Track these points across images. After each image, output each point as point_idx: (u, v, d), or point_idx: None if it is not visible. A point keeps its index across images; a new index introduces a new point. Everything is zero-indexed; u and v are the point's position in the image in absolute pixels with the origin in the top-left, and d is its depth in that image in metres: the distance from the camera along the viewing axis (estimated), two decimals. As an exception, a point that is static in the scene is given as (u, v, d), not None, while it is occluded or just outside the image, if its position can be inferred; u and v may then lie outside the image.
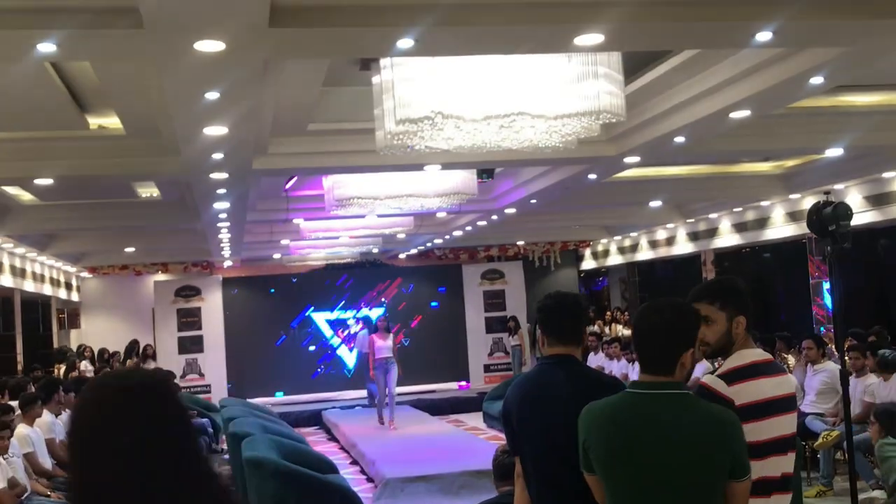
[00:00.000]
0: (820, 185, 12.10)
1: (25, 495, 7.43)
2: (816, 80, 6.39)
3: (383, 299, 20.31)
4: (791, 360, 11.08)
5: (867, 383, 8.94)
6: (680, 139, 8.19)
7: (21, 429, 8.13)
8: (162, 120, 7.24)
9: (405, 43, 4.97)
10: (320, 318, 20.16)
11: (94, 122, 8.00)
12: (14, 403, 8.58)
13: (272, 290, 20.09)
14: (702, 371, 8.89)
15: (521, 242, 20.77)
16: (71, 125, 7.78)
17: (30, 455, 8.00)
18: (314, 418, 16.88)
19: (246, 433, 8.22)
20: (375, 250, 19.06)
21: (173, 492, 1.65)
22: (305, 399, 18.70)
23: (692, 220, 16.72)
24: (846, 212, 6.18)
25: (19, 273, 15.21)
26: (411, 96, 6.01)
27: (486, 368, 20.20)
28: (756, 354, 3.22)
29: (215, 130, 6.88)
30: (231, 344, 19.29)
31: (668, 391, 2.90)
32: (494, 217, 14.15)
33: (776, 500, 3.07)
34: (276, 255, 19.40)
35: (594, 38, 5.14)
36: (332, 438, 14.89)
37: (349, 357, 19.76)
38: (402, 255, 20.81)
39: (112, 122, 7.89)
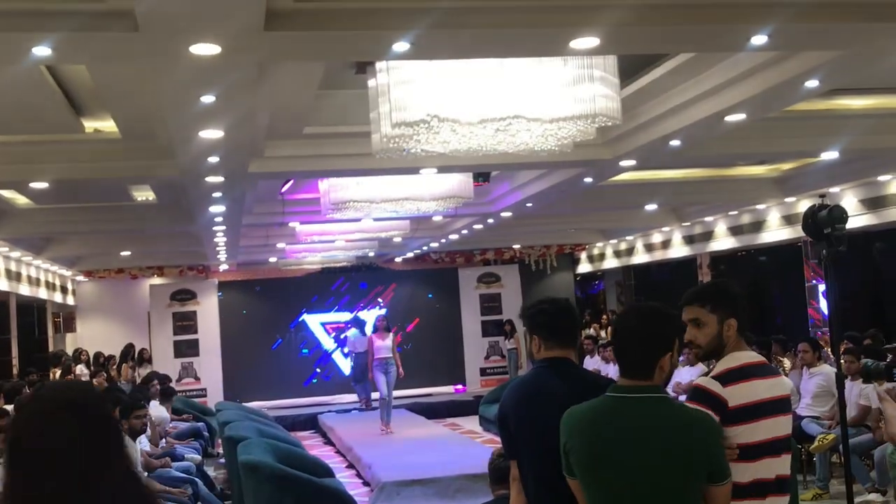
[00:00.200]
0: (815, 189, 12.12)
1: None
2: (812, 84, 6.40)
3: (380, 300, 20.30)
4: (787, 363, 11.09)
5: (863, 386, 8.95)
6: (675, 142, 8.20)
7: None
8: (157, 123, 7.23)
9: (401, 46, 4.97)
10: (315, 322, 20.14)
11: (89, 125, 7.99)
12: (9, 407, 8.56)
13: (258, 289, 20.01)
14: (697, 373, 8.89)
15: (517, 246, 20.77)
16: (66, 128, 7.77)
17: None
18: (310, 422, 16.86)
19: (242, 437, 8.20)
20: (371, 254, 19.05)
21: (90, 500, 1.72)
22: (301, 403, 18.68)
23: (688, 224, 16.74)
24: (841, 215, 6.19)
25: (15, 277, 15.18)
26: (407, 100, 6.01)
27: (483, 372, 20.20)
28: (748, 356, 3.23)
29: (211, 134, 6.87)
30: (227, 348, 19.27)
31: (646, 395, 2.92)
32: (490, 220, 14.15)
33: (771, 502, 3.07)
34: (272, 259, 19.39)
35: (590, 41, 5.15)
36: (329, 442, 14.87)
37: (344, 361, 19.74)
38: (398, 259, 20.81)
39: (107, 125, 7.88)
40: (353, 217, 11.41)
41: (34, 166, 8.34)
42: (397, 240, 15.98)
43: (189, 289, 19.51)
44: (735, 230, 15.71)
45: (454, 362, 20.14)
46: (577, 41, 5.14)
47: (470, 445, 12.62)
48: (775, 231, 14.45)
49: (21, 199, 11.37)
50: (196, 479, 9.08)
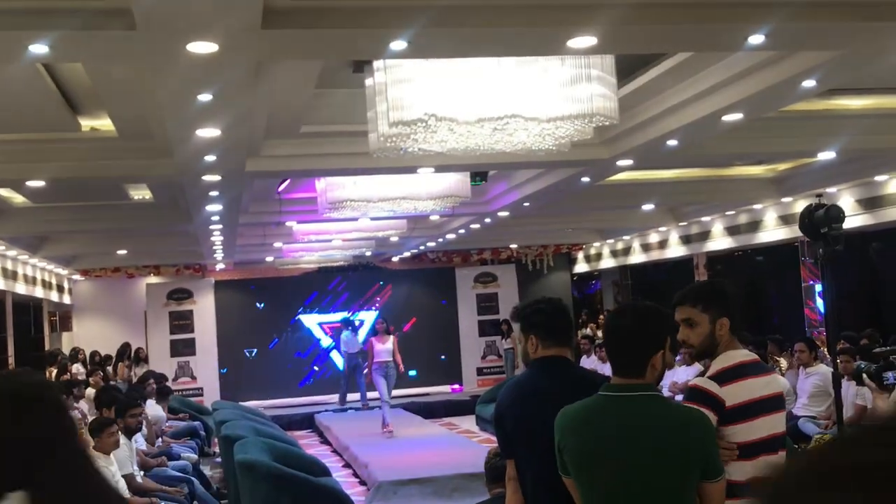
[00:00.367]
0: (812, 189, 12.12)
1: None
2: (809, 84, 6.40)
3: (378, 299, 20.30)
4: (783, 362, 11.10)
5: (858, 387, 8.95)
6: (673, 142, 8.21)
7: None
8: (154, 122, 7.22)
9: (398, 45, 4.97)
10: (312, 322, 20.13)
11: (86, 123, 7.98)
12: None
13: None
14: (693, 373, 8.90)
15: (514, 246, 20.77)
16: (63, 127, 7.76)
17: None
18: (307, 421, 16.87)
19: (238, 436, 8.20)
20: (368, 253, 19.03)
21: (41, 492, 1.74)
22: (298, 402, 18.67)
23: (685, 224, 16.75)
24: (838, 214, 6.20)
25: (11, 275, 15.16)
26: (405, 99, 6.01)
27: (479, 371, 20.20)
28: (742, 355, 3.25)
29: (208, 132, 6.86)
30: (223, 347, 19.26)
31: (639, 393, 2.93)
32: (488, 220, 14.14)
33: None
34: (269, 258, 19.38)
35: (587, 40, 5.15)
36: (325, 441, 14.87)
37: (341, 360, 19.74)
38: (395, 259, 20.80)
39: (104, 124, 7.87)
40: (350, 216, 11.41)
41: (31, 165, 8.33)
42: (394, 239, 15.97)
43: (185, 288, 19.49)
44: (732, 230, 15.72)
45: (451, 362, 20.14)
46: (574, 40, 5.14)
47: (466, 445, 12.62)
48: (772, 231, 14.46)
49: (18, 198, 11.36)
50: (192, 478, 9.08)
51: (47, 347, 18.37)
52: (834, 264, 6.50)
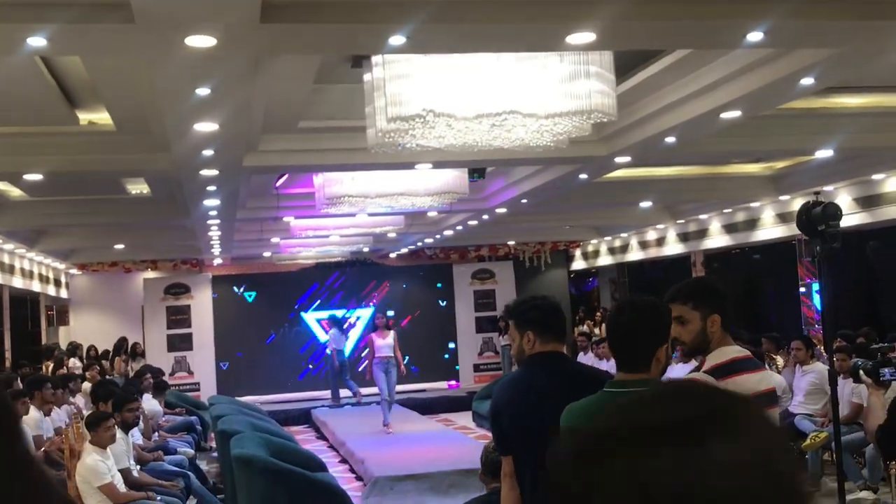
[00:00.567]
0: (810, 187, 12.14)
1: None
2: (807, 81, 6.40)
3: (375, 295, 20.29)
4: (780, 360, 11.10)
5: (855, 385, 8.95)
6: (670, 139, 8.21)
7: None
8: (152, 116, 7.21)
9: (397, 40, 4.97)
10: (310, 317, 20.12)
11: (84, 117, 7.97)
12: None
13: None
14: (688, 370, 8.90)
15: (511, 242, 20.77)
16: (61, 121, 7.75)
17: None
18: (303, 417, 16.86)
19: (235, 431, 8.20)
20: (366, 249, 19.03)
21: None
22: (295, 397, 18.67)
23: (682, 221, 16.76)
24: (836, 212, 6.20)
25: (8, 269, 15.15)
26: (403, 94, 6.01)
27: (476, 368, 20.20)
28: (735, 351, 3.26)
29: (206, 127, 6.86)
30: (220, 342, 19.26)
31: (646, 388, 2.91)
32: (485, 217, 14.15)
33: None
34: (266, 254, 19.37)
35: (586, 36, 5.15)
36: (322, 437, 14.87)
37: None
38: (392, 255, 20.80)
39: (102, 117, 7.86)
40: (347, 212, 11.41)
41: (28, 158, 8.32)
42: (392, 235, 15.97)
43: (183, 283, 19.48)
44: (729, 228, 15.73)
45: (448, 358, 20.15)
46: (573, 36, 5.14)
47: (463, 441, 12.63)
48: (769, 229, 14.47)
49: (15, 192, 11.35)
50: (189, 472, 9.08)
51: (44, 341, 18.37)
52: (831, 261, 6.50)
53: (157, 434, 10.77)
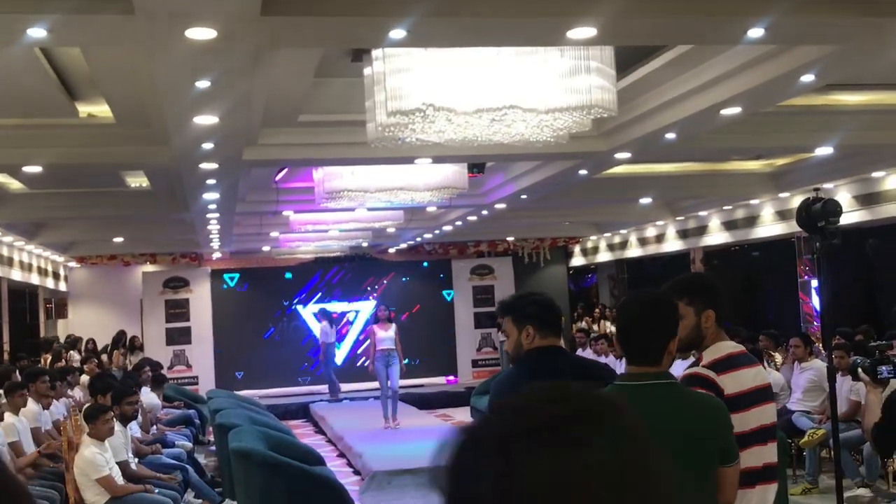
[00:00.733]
0: (809, 184, 12.11)
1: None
2: (807, 78, 6.40)
3: (373, 288, 20.28)
4: (778, 357, 11.11)
5: (853, 382, 8.96)
6: (671, 135, 8.20)
7: (6, 417, 8.11)
8: (152, 109, 7.20)
9: (398, 33, 4.96)
10: (308, 312, 20.12)
11: (83, 110, 7.96)
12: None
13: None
14: (686, 366, 8.90)
15: (510, 238, 20.77)
16: (60, 113, 7.74)
17: (14, 444, 7.97)
18: (302, 411, 16.88)
19: (233, 424, 8.20)
20: (365, 244, 19.02)
21: None
22: (293, 391, 18.68)
23: (682, 218, 16.76)
24: (835, 208, 6.19)
25: (7, 262, 15.15)
26: (403, 88, 6.00)
27: (475, 363, 20.21)
28: (730, 346, 3.27)
29: (206, 120, 6.85)
30: (219, 336, 19.26)
31: (657, 381, 2.91)
32: (485, 212, 14.14)
33: (761, 490, 3.09)
34: (266, 248, 19.36)
35: (587, 31, 5.14)
36: (320, 431, 14.88)
37: (338, 351, 19.72)
38: (391, 250, 20.79)
39: (102, 110, 7.85)
40: (347, 206, 11.40)
41: (28, 151, 8.31)
42: (391, 230, 15.96)
43: (182, 276, 19.48)
44: (729, 225, 15.73)
45: (446, 353, 20.15)
46: (574, 31, 5.13)
47: (461, 436, 12.61)
48: (769, 226, 14.47)
49: (14, 184, 11.34)
50: (187, 465, 9.09)
51: (42, 334, 18.36)
52: (830, 258, 6.50)
53: (155, 427, 10.77)
